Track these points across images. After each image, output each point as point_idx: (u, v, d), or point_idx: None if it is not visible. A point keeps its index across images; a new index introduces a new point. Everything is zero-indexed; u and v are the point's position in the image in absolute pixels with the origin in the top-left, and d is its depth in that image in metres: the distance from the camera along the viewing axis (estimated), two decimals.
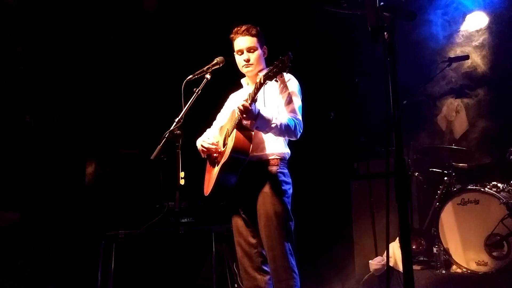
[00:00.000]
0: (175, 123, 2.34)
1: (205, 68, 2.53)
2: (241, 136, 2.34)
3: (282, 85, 2.50)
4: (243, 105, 2.20)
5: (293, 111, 2.46)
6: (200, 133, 2.80)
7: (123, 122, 4.32)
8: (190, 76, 2.51)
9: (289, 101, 2.48)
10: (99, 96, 4.19)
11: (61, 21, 3.96)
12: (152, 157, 2.28)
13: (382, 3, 1.51)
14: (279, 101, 2.51)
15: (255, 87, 2.25)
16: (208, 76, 2.51)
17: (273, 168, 2.47)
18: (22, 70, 3.83)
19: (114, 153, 4.24)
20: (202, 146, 2.59)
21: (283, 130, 2.34)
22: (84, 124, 4.07)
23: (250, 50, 2.54)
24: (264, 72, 2.22)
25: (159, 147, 2.29)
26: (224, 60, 2.57)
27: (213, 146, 2.53)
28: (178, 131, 2.32)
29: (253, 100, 2.23)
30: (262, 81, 2.19)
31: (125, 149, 4.28)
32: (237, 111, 2.28)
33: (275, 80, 2.19)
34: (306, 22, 4.79)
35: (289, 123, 2.35)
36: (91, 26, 4.14)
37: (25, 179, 3.76)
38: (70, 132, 3.98)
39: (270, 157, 2.48)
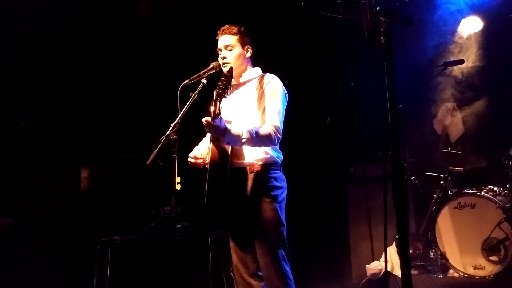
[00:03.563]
0: (171, 128, 2.33)
1: (201, 73, 2.51)
2: (216, 147, 2.33)
3: (261, 89, 2.48)
4: (206, 121, 2.22)
5: (269, 116, 2.41)
6: (196, 138, 2.79)
7: (119, 127, 4.30)
8: (186, 81, 2.49)
9: (267, 105, 2.44)
10: (94, 101, 4.17)
11: (56, 26, 3.94)
12: (148, 162, 2.26)
13: (378, 8, 1.51)
14: (259, 105, 2.48)
15: (212, 104, 2.23)
16: (204, 80, 2.49)
17: (263, 174, 2.43)
18: (17, 75, 3.81)
19: (109, 158, 4.22)
20: (189, 161, 2.59)
21: (257, 142, 2.32)
22: (79, 129, 4.04)
23: (227, 47, 2.54)
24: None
25: (155, 152, 2.27)
26: (220, 65, 2.56)
27: (198, 160, 2.54)
28: (174, 136, 2.31)
29: (215, 115, 2.18)
30: (215, 98, 2.20)
31: (121, 154, 4.26)
32: (204, 123, 2.27)
33: (223, 96, 2.21)
34: (301, 27, 4.81)
35: (262, 133, 2.31)
36: (86, 31, 4.12)
37: (19, 185, 3.73)
38: (65, 137, 3.96)
39: (259, 163, 2.45)
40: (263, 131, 2.33)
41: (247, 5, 4.33)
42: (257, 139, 2.30)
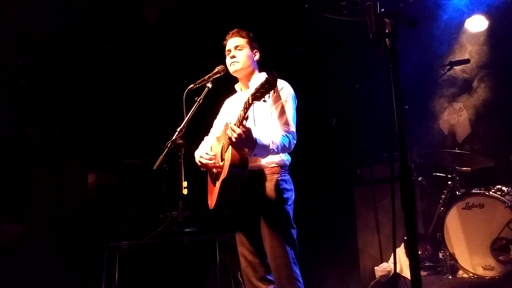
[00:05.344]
0: (177, 132, 2.33)
1: (206, 77, 2.53)
2: (237, 151, 2.29)
3: (275, 94, 2.46)
4: (238, 134, 2.11)
5: (286, 123, 2.43)
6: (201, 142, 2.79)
7: (125, 132, 4.32)
8: (192, 85, 2.50)
9: (283, 112, 2.44)
10: (101, 107, 4.19)
11: (62, 33, 3.98)
12: (154, 167, 2.27)
13: (383, 10, 1.50)
14: (273, 111, 2.47)
15: (243, 108, 2.18)
16: (209, 85, 2.50)
17: (274, 177, 2.45)
18: (24, 82, 3.84)
19: (116, 163, 4.24)
20: (200, 162, 2.56)
21: (279, 151, 2.32)
22: (85, 135, 4.07)
23: (237, 47, 2.56)
24: (252, 91, 2.12)
25: (161, 156, 2.28)
26: (225, 69, 2.57)
27: (211, 162, 2.49)
28: (180, 141, 2.31)
29: (242, 124, 2.16)
30: (250, 102, 2.12)
31: (127, 159, 4.28)
32: (228, 134, 2.19)
33: (263, 100, 2.10)
34: (305, 29, 4.81)
35: (283, 142, 2.33)
36: (91, 37, 4.16)
37: (27, 191, 3.75)
38: (71, 143, 3.98)
39: (270, 166, 2.46)
40: (285, 140, 2.35)
41: (251, 9, 4.34)
42: (281, 149, 2.32)
